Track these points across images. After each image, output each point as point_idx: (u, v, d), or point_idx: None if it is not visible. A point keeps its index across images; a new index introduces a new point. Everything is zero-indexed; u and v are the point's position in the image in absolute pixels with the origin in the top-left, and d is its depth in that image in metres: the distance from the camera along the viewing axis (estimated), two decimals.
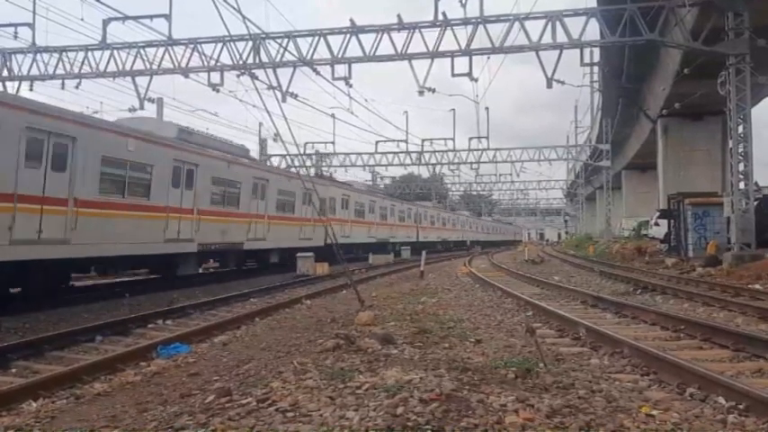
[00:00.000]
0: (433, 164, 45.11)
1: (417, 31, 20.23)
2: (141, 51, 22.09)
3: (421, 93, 21.18)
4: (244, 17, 10.61)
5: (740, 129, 19.15)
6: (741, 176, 19.16)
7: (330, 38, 20.84)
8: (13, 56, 23.15)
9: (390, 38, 20.36)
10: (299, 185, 22.60)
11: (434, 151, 43.05)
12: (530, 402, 4.25)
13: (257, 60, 20.91)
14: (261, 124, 40.21)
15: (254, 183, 20.32)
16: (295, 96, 22.38)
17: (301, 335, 8.05)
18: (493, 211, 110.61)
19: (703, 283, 15.62)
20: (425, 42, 20.17)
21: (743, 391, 4.71)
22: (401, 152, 42.55)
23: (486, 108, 46.87)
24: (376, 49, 20.45)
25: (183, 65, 21.72)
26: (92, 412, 5.02)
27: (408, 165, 46.14)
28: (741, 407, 4.55)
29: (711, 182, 29.74)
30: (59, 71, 22.56)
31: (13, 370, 7.20)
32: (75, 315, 11.19)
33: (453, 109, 39.88)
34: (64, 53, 22.54)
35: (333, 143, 41.10)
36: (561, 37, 19.40)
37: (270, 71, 21.01)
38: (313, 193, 22.86)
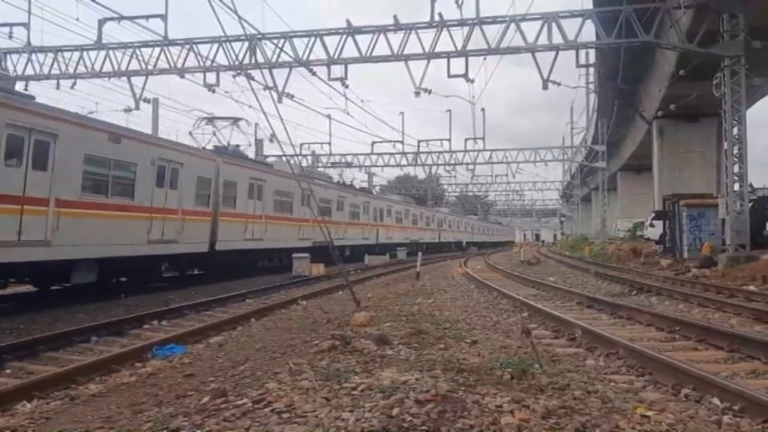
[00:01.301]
0: (429, 165, 45.22)
1: (414, 31, 20.25)
2: (137, 51, 22.06)
3: (417, 94, 21.22)
4: (240, 17, 10.60)
5: (735, 130, 19.21)
6: (736, 178, 19.22)
7: (326, 38, 20.86)
8: (8, 55, 23.08)
9: (387, 39, 20.38)
10: (144, 153, 14.91)
11: (430, 152, 43.19)
12: (525, 403, 4.25)
13: (253, 61, 20.90)
14: (257, 125, 40.12)
15: (7, 138, 11.41)
16: (291, 97, 22.40)
17: (297, 336, 8.03)
18: (488, 211, 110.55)
19: (698, 284, 15.67)
20: (422, 43, 20.21)
21: (738, 392, 4.73)
22: (397, 153, 42.66)
23: (483, 109, 46.80)
24: (372, 49, 20.48)
25: (179, 65, 21.71)
26: (87, 413, 5.00)
27: (404, 165, 46.27)
28: (736, 408, 4.57)
29: (706, 183, 29.83)
30: (54, 71, 22.51)
31: (8, 371, 7.18)
32: (71, 315, 11.16)
33: (449, 110, 40.03)
34: (59, 53, 22.50)
35: (329, 144, 41.16)
36: (557, 38, 19.47)
37: (266, 72, 21.00)
38: (180, 169, 16.23)
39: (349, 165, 43.26)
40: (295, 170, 22.34)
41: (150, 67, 22.03)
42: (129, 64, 22.14)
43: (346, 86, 22.02)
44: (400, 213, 42.63)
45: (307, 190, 21.38)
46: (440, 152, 43.01)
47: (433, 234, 51.90)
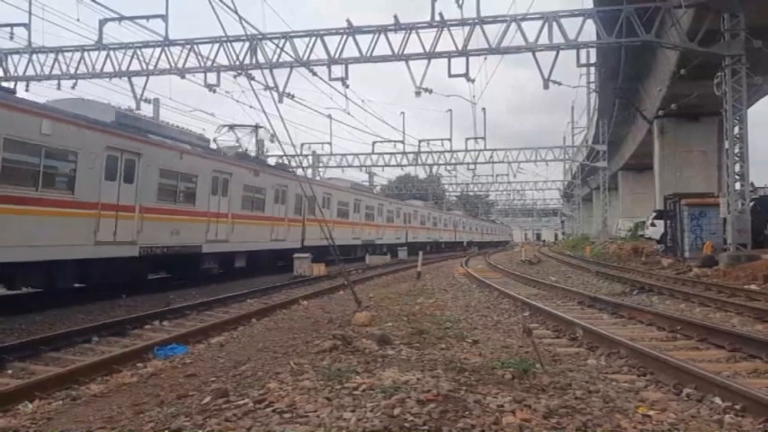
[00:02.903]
0: (429, 164, 45.24)
1: (414, 31, 20.24)
2: (138, 52, 22.07)
3: (418, 93, 21.20)
4: (241, 18, 10.60)
5: (736, 130, 19.20)
6: (737, 177, 19.22)
7: (327, 38, 20.86)
8: (9, 56, 23.12)
9: (387, 38, 20.37)
10: None
11: (431, 152, 43.25)
12: (527, 403, 4.25)
13: (254, 61, 20.89)
14: (257, 125, 40.15)
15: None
16: (292, 97, 22.38)
17: (298, 336, 8.04)
18: (489, 211, 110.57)
19: (699, 283, 15.66)
20: (422, 43, 20.20)
21: (739, 392, 4.72)
22: (398, 153, 42.73)
23: (483, 109, 47.04)
24: (373, 49, 20.46)
25: (180, 65, 21.70)
26: (88, 413, 5.01)
27: (405, 165, 46.30)
28: (737, 407, 4.57)
29: (707, 182, 29.84)
30: (55, 71, 22.53)
31: (10, 371, 7.18)
32: (72, 316, 11.17)
33: (450, 110, 40.04)
34: (60, 53, 22.52)
35: (329, 144, 41.22)
36: (558, 38, 19.45)
37: (266, 72, 21.01)
38: None
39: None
40: (104, 114, 14.40)
41: (151, 68, 22.04)
42: (129, 64, 22.15)
43: (347, 86, 22.02)
44: (346, 205, 31.26)
45: (125, 151, 14.00)
46: (440, 152, 43.12)
47: (398, 233, 41.11)
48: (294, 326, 9.34)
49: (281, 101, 21.32)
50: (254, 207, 20.52)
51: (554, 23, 19.38)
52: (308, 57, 20.93)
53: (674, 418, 4.25)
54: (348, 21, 20.61)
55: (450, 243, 57.71)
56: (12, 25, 22.47)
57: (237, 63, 20.90)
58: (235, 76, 22.24)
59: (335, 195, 29.72)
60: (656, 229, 30.46)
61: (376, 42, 20.37)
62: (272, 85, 21.20)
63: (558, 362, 6.36)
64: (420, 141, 42.72)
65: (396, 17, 20.26)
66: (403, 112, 58.35)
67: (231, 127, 22.32)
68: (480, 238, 75.08)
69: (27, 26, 22.04)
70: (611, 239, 42.96)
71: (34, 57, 22.72)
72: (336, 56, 20.72)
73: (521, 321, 9.36)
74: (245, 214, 19.77)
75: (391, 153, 42.86)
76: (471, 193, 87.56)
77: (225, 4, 9.65)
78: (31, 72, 22.66)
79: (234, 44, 20.84)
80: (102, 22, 21.64)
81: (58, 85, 22.73)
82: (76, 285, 13.90)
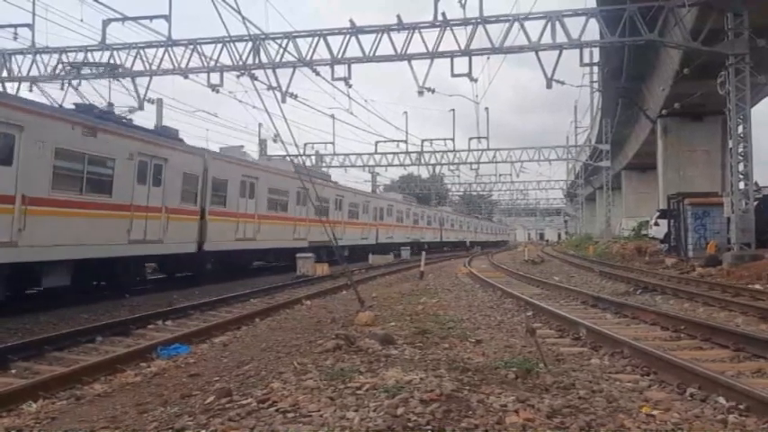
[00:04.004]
0: (432, 164, 45.23)
1: (417, 31, 20.24)
2: (141, 52, 22.10)
3: (420, 93, 21.20)
4: (243, 18, 10.62)
5: (740, 129, 19.15)
6: (741, 176, 19.16)
7: (330, 38, 20.85)
8: (12, 57, 23.17)
9: (390, 38, 20.37)
10: None
11: (434, 151, 43.24)
12: (530, 403, 4.24)
13: (257, 61, 20.91)
14: (260, 125, 40.14)
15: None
16: (295, 97, 22.39)
17: (301, 335, 8.04)
18: (492, 211, 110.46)
19: (703, 283, 15.62)
20: (425, 43, 20.20)
21: (743, 392, 4.71)
22: (401, 152, 42.72)
23: (486, 108, 47.24)
24: (375, 49, 20.46)
25: (183, 65, 21.72)
26: (92, 413, 5.02)
27: (408, 165, 46.28)
28: (741, 407, 4.55)
29: (711, 182, 29.73)
30: (59, 72, 22.57)
31: (14, 371, 7.19)
32: (75, 316, 11.19)
33: (453, 109, 40.00)
34: (63, 54, 22.56)
35: (332, 143, 41.18)
36: (561, 37, 19.42)
37: (269, 72, 21.03)
38: None
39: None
40: None
41: (154, 68, 22.07)
42: (133, 64, 22.19)
43: (350, 86, 22.05)
44: (285, 194, 22.72)
45: None
46: (443, 152, 43.10)
47: (365, 231, 33.90)
48: (297, 325, 9.35)
49: (284, 101, 21.34)
50: (88, 188, 13.00)
51: (557, 23, 19.34)
52: (311, 57, 20.93)
53: (677, 418, 4.25)
54: (351, 21, 20.65)
55: (436, 244, 50.72)
56: (15, 26, 22.55)
57: (240, 63, 20.93)
58: (238, 76, 22.24)
59: (264, 180, 21.16)
60: (660, 229, 30.39)
61: (379, 42, 20.38)
62: (275, 84, 21.25)
63: (562, 361, 6.35)
64: (423, 141, 42.80)
65: (399, 17, 20.28)
66: (406, 112, 58.46)
67: (73, 66, 16.15)
68: (473, 237, 68.16)
69: (30, 26, 22.10)
70: (615, 239, 42.89)
71: (38, 57, 22.78)
72: (339, 56, 20.72)
73: (524, 321, 9.34)
74: (60, 199, 12.15)
75: (394, 153, 42.88)
76: (474, 193, 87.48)
77: (228, 3, 9.68)
78: (35, 72, 22.71)
79: (237, 44, 20.87)
80: (106, 23, 21.68)
81: (62, 85, 22.78)
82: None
